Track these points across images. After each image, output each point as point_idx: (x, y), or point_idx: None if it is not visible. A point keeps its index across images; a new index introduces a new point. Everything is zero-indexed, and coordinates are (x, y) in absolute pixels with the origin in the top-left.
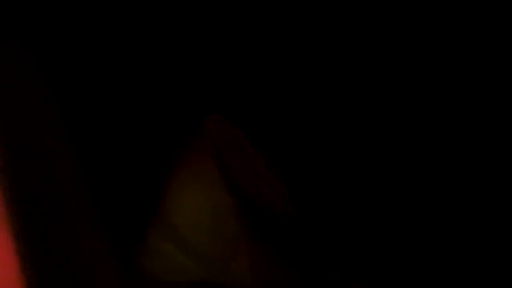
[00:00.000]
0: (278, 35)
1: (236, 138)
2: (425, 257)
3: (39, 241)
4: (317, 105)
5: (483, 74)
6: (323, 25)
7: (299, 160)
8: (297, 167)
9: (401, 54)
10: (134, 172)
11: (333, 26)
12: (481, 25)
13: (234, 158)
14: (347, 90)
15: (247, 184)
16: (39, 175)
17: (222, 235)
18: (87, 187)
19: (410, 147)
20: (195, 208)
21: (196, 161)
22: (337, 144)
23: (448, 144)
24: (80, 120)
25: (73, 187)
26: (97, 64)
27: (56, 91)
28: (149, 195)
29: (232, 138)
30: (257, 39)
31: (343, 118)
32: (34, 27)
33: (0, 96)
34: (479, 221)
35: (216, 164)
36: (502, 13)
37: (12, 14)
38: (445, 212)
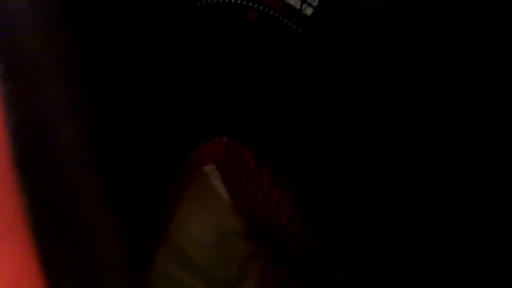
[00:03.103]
0: (285, 57)
1: (240, 155)
2: (432, 265)
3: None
4: (322, 120)
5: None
6: (326, 47)
7: (306, 176)
8: (304, 183)
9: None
10: (142, 190)
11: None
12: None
13: (238, 176)
14: (356, 106)
15: (252, 203)
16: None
17: (229, 257)
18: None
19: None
20: (202, 230)
21: (202, 182)
22: (345, 160)
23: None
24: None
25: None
26: (107, 76)
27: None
28: (154, 214)
29: (236, 156)
30: (264, 58)
31: (350, 133)
32: None
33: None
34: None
35: (222, 184)
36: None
37: None
38: (448, 215)
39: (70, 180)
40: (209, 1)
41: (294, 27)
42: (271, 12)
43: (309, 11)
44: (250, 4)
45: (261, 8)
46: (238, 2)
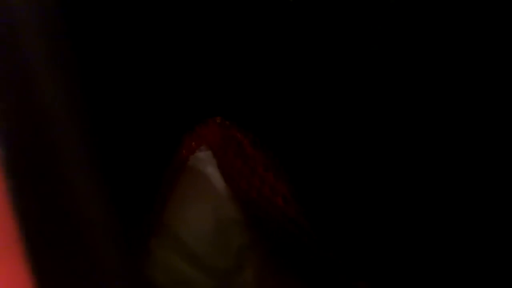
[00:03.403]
0: (278, 37)
1: (235, 139)
2: (434, 265)
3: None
4: (320, 104)
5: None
6: (324, 27)
7: (302, 159)
8: (300, 166)
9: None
10: (133, 177)
11: (335, 27)
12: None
13: (234, 162)
14: (352, 89)
15: (248, 188)
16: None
17: (227, 246)
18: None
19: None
20: (199, 218)
21: (197, 169)
22: (340, 142)
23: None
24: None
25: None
26: (100, 65)
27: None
28: (147, 198)
29: (231, 139)
30: (257, 39)
31: (347, 117)
32: None
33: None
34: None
35: (218, 171)
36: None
37: None
38: (449, 215)
39: (64, 177)
40: None
41: (278, 11)
42: None
43: None
44: None
45: None
46: None
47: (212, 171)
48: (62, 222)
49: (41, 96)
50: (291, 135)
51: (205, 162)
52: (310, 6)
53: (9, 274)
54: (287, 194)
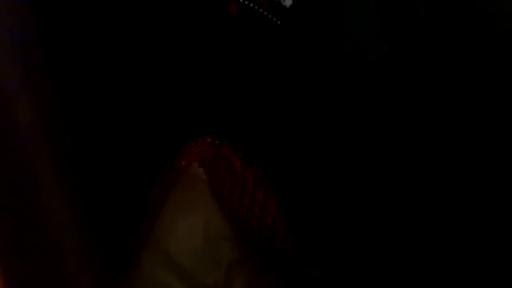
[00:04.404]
0: (268, 56)
1: (225, 157)
2: (416, 269)
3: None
4: (311, 124)
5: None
6: (313, 47)
7: (290, 175)
8: (288, 182)
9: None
10: (123, 190)
11: (324, 48)
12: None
13: (225, 180)
14: (345, 110)
15: (238, 206)
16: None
17: (216, 262)
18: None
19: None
20: (189, 233)
21: (188, 185)
22: (331, 162)
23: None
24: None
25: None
26: (95, 74)
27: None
28: (137, 213)
29: (222, 158)
30: (247, 60)
31: (339, 138)
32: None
33: None
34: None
35: (209, 187)
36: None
37: None
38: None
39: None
40: None
41: (274, 19)
42: (251, 5)
43: (288, 2)
44: None
45: (241, 1)
46: None
47: (203, 188)
48: (33, 235)
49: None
50: (281, 154)
51: (196, 179)
52: (300, 28)
53: None
54: (276, 212)
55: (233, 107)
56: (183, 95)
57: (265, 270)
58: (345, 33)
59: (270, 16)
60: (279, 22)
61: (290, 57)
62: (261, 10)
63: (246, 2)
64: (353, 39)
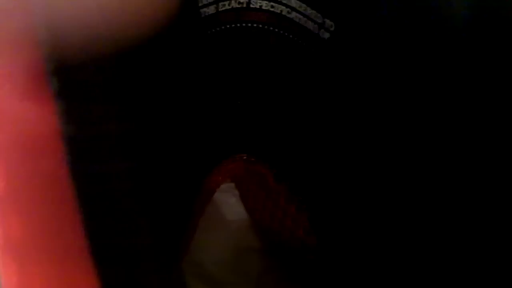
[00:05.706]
0: (303, 75)
1: (259, 172)
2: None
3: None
4: (342, 143)
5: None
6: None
7: (321, 194)
8: (319, 200)
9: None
10: (170, 207)
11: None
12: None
13: (257, 194)
14: (373, 129)
15: (270, 219)
16: None
17: (246, 273)
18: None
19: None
20: (220, 246)
21: (220, 199)
22: (359, 177)
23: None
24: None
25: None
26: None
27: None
28: (180, 231)
29: (255, 173)
30: (284, 79)
31: (365, 153)
32: None
33: None
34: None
35: (240, 202)
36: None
37: None
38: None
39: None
40: (224, 28)
41: (312, 50)
42: (290, 36)
43: (326, 35)
44: (271, 28)
45: (281, 32)
46: (260, 26)
47: (234, 202)
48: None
49: None
50: (312, 172)
51: (228, 194)
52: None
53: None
54: (307, 225)
55: (269, 128)
56: (221, 117)
57: (294, 279)
58: (382, 67)
59: (308, 46)
60: (317, 53)
61: (326, 85)
62: (300, 41)
63: (286, 34)
64: (390, 72)
